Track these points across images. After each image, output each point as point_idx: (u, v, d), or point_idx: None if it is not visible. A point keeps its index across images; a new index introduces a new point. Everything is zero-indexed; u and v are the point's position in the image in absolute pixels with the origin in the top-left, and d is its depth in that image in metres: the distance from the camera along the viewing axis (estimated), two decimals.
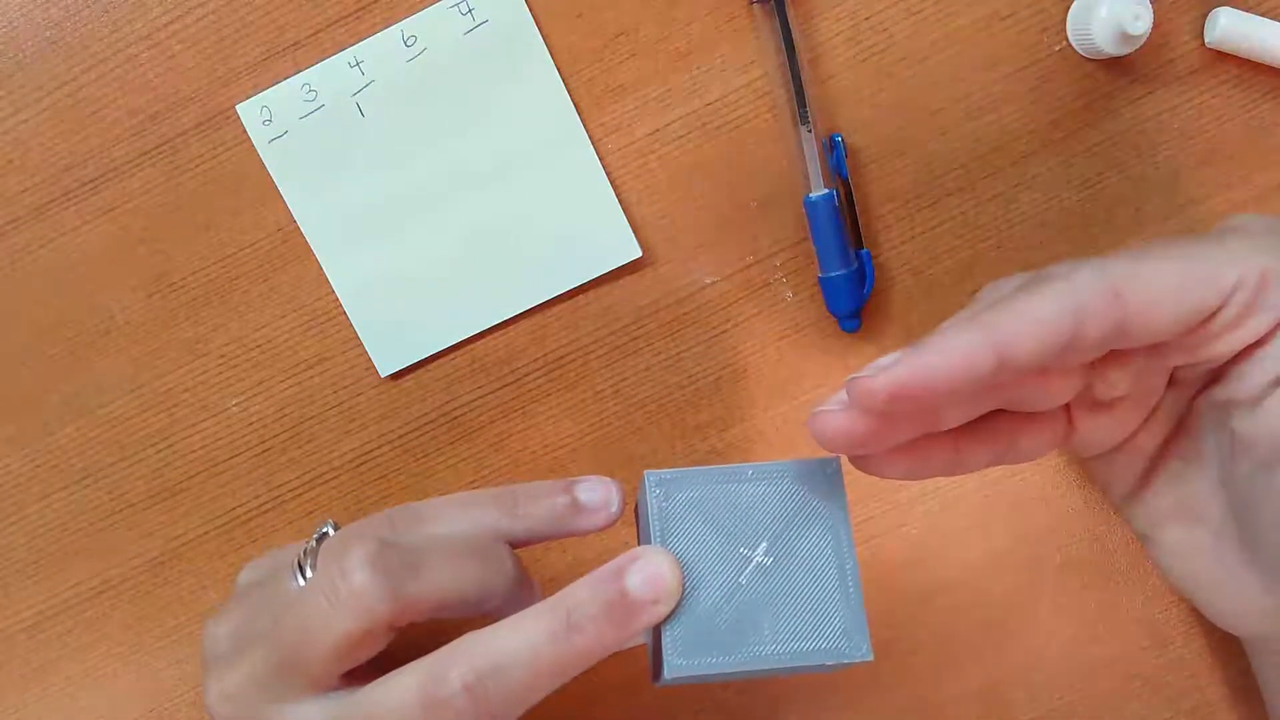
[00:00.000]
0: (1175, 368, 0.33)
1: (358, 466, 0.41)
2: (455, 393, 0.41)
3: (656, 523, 0.30)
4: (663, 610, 0.28)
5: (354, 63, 0.38)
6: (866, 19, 0.38)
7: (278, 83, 0.38)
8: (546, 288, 0.39)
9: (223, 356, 0.40)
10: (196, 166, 0.39)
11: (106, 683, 0.42)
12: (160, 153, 0.39)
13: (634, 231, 0.39)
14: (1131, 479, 0.35)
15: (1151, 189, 0.39)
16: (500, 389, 0.41)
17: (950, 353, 0.27)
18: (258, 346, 0.40)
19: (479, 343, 0.40)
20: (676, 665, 0.28)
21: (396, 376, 0.40)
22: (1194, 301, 0.29)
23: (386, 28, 0.38)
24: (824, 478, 0.30)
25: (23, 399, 0.41)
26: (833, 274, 0.39)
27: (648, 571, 0.29)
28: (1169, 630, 0.41)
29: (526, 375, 0.41)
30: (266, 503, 0.41)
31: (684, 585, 0.29)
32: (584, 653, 0.28)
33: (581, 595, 0.29)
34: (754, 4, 0.38)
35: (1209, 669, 0.41)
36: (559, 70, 0.38)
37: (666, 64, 0.39)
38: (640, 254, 0.39)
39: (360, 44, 0.38)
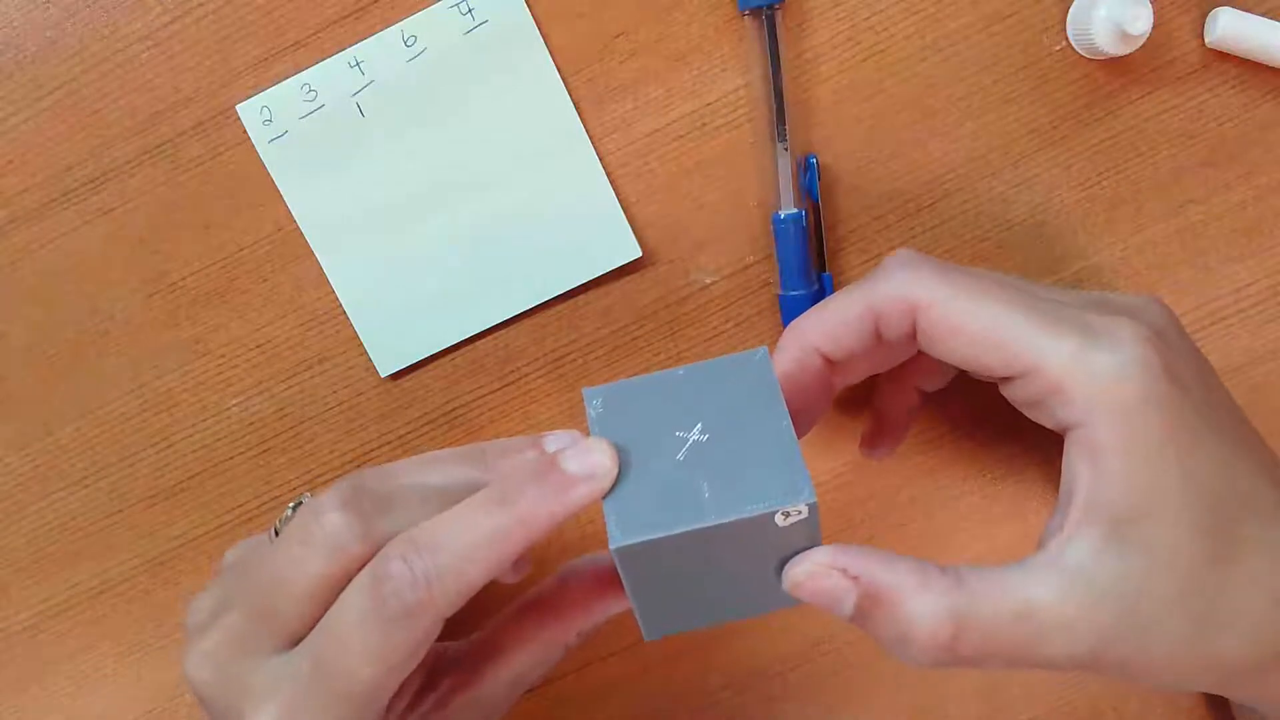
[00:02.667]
0: None
1: (358, 466, 0.41)
2: (455, 393, 0.41)
3: (594, 428, 0.30)
4: (597, 487, 0.29)
5: (354, 63, 0.38)
6: (866, 19, 0.38)
7: (278, 83, 0.38)
8: (546, 288, 0.39)
9: (223, 356, 0.40)
10: (196, 166, 0.39)
11: (106, 683, 0.42)
12: (160, 153, 0.39)
13: (634, 231, 0.39)
14: None
15: (1151, 189, 0.39)
16: (500, 389, 0.41)
17: (782, 356, 0.33)
18: (258, 346, 0.40)
19: (479, 343, 0.40)
20: (618, 537, 0.28)
21: (396, 376, 0.40)
22: (976, 355, 0.31)
23: (386, 28, 0.38)
24: (753, 365, 0.31)
25: (23, 399, 0.41)
26: (793, 293, 0.39)
27: (581, 451, 0.29)
28: None
29: (526, 375, 0.41)
30: (266, 503, 0.41)
31: (620, 466, 0.29)
32: (519, 521, 0.28)
33: (515, 470, 0.30)
34: (744, 15, 0.38)
35: None
36: (559, 70, 0.38)
37: (666, 64, 0.39)
38: (640, 254, 0.39)
39: (360, 44, 0.38)
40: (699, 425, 0.30)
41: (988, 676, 0.42)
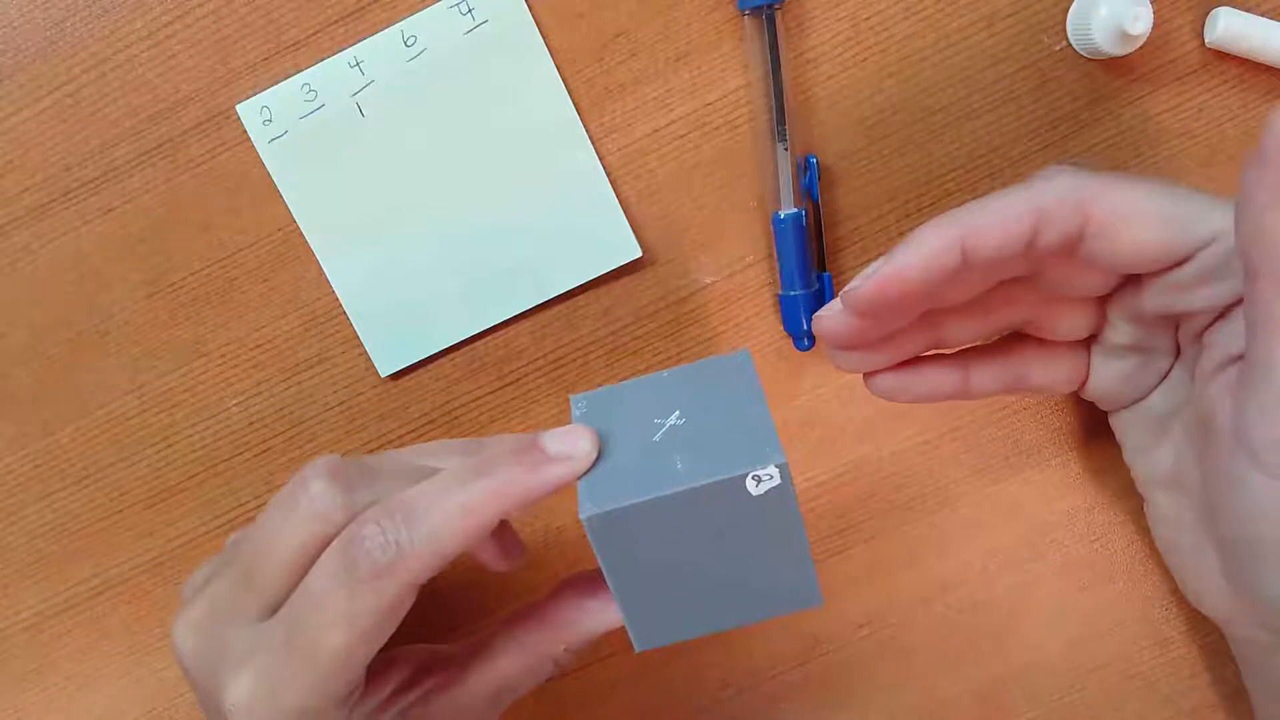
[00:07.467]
0: (1181, 335, 0.33)
1: None
2: (455, 393, 0.41)
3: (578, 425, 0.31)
4: (574, 468, 0.29)
5: (354, 63, 0.38)
6: (866, 19, 0.38)
7: (278, 83, 0.38)
8: (546, 288, 0.39)
9: (223, 356, 0.40)
10: (196, 166, 0.39)
11: (106, 683, 0.42)
12: (160, 153, 0.39)
13: (634, 231, 0.39)
14: (1143, 437, 0.36)
15: None
16: (500, 389, 0.41)
17: (921, 247, 0.30)
18: (258, 346, 0.40)
19: (479, 343, 0.40)
20: (587, 507, 0.28)
21: (396, 376, 0.40)
22: (1158, 236, 0.30)
23: (386, 28, 0.38)
24: (736, 366, 0.31)
25: (23, 399, 0.41)
26: (793, 293, 0.39)
27: (562, 433, 0.30)
28: (1169, 630, 0.41)
29: (526, 375, 0.41)
30: (266, 503, 0.41)
31: (600, 449, 0.30)
32: (493, 493, 0.29)
33: (496, 447, 0.30)
34: (744, 15, 0.38)
35: (1209, 669, 0.41)
36: (559, 70, 0.38)
37: (666, 64, 0.39)
38: (640, 254, 0.39)
39: (360, 44, 0.38)
40: (677, 412, 0.30)
41: (988, 676, 0.42)
